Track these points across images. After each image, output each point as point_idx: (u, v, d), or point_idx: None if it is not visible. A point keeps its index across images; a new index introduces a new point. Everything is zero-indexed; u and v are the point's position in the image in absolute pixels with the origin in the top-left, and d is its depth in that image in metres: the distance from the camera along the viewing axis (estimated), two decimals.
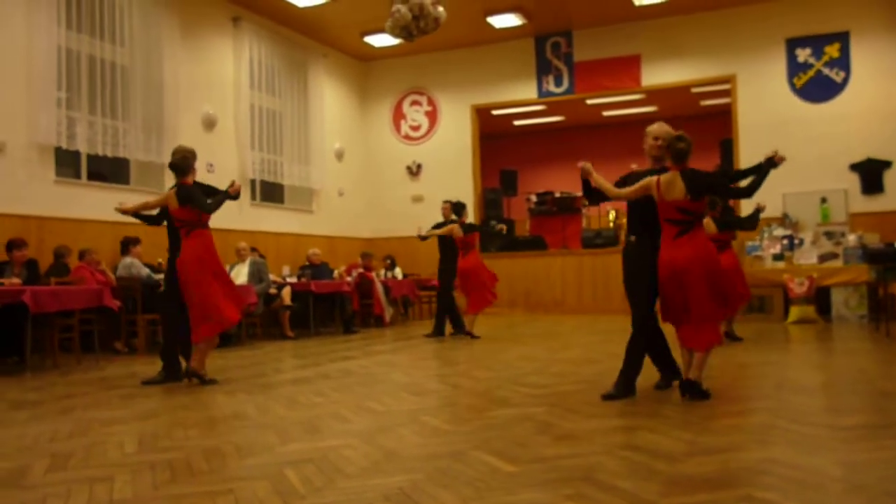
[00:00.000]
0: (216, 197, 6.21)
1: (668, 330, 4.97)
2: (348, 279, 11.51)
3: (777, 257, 11.44)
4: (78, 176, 9.61)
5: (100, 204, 9.47)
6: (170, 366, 6.16)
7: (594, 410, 4.44)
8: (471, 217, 12.54)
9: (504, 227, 10.41)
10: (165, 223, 6.43)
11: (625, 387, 4.84)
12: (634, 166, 5.07)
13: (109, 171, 10.40)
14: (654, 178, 4.78)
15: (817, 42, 12.38)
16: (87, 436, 4.05)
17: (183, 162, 6.16)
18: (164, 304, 6.54)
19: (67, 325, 7.50)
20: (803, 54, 12.48)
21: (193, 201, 6.02)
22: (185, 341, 6.16)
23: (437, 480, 3.01)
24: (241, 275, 9.96)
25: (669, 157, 4.82)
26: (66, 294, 7.18)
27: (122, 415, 4.69)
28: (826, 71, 12.31)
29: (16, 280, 7.36)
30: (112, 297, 7.80)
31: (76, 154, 9.46)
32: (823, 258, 11.17)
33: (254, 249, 10.61)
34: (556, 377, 5.84)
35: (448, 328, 9.83)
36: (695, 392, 4.63)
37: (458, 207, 9.75)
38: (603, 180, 5.01)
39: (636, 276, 4.98)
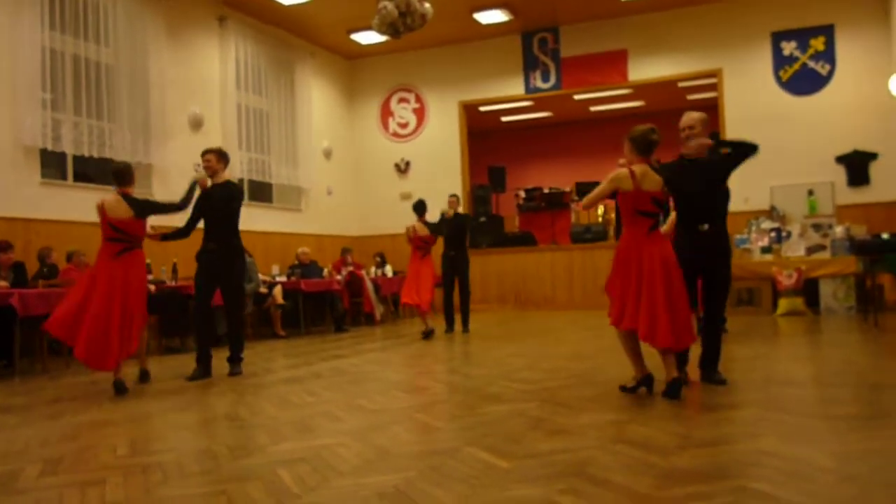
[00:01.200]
0: (183, 196, 6.32)
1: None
2: (338, 277, 11.49)
3: (765, 250, 11.49)
4: (64, 177, 9.54)
5: (86, 205, 9.37)
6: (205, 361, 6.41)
7: (586, 405, 4.44)
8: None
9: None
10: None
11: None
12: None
13: (95, 172, 10.33)
14: (625, 170, 4.69)
15: (802, 35, 12.44)
16: (77, 439, 4.03)
17: (128, 169, 6.06)
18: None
19: None
20: (789, 47, 12.53)
21: (157, 209, 6.10)
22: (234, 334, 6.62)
23: (431, 478, 3.01)
24: None
25: (634, 150, 4.73)
26: (55, 297, 7.13)
27: (113, 418, 4.66)
28: (811, 64, 12.37)
29: (3, 283, 7.31)
30: None
31: (62, 155, 9.39)
32: (811, 250, 11.22)
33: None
34: (547, 373, 5.84)
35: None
36: (678, 391, 4.54)
37: (419, 206, 9.69)
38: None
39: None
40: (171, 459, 3.48)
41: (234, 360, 6.55)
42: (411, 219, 9.94)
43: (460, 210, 9.95)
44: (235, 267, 6.60)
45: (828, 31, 12.28)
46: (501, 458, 3.27)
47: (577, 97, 15.94)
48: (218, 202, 6.45)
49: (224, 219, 6.53)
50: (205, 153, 6.58)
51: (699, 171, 4.93)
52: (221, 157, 6.58)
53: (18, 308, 6.62)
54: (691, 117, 5.06)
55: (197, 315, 6.58)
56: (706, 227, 4.91)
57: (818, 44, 12.34)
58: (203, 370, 6.36)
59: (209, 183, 6.48)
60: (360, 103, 15.56)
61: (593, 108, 18.21)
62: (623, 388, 4.80)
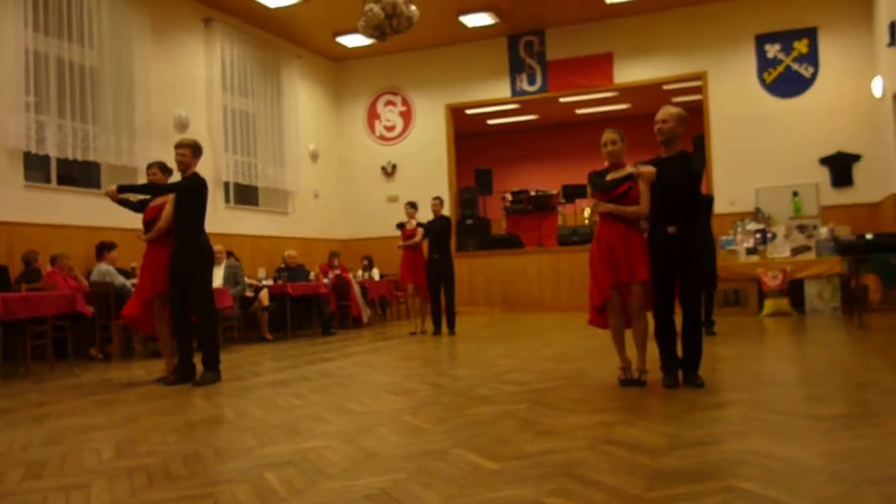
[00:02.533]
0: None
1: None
2: (325, 281, 11.45)
3: (751, 251, 11.55)
4: (48, 180, 9.47)
5: (70, 208, 9.36)
6: (187, 366, 6.20)
7: (575, 406, 4.44)
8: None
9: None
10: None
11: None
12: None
13: (80, 174, 10.25)
14: None
15: (786, 38, 12.53)
16: (62, 443, 3.98)
17: None
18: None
19: (40, 331, 7.38)
20: (772, 50, 12.62)
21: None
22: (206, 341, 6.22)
23: (419, 479, 2.99)
24: (216, 278, 9.85)
25: (621, 155, 5.08)
26: (38, 300, 7.06)
27: (98, 421, 4.61)
28: (795, 66, 12.46)
29: None
30: (85, 302, 7.69)
31: (46, 158, 9.31)
32: (796, 251, 11.29)
33: (230, 253, 10.51)
34: (536, 374, 5.84)
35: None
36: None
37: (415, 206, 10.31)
38: (629, 208, 4.96)
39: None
40: (157, 462, 3.44)
41: (206, 367, 6.17)
42: (398, 221, 10.24)
43: (444, 212, 10.10)
44: (198, 267, 6.17)
45: (811, 34, 12.37)
46: (490, 459, 3.25)
47: (563, 100, 15.96)
48: (183, 194, 6.16)
49: (187, 214, 6.16)
50: (178, 146, 6.26)
51: (670, 170, 4.91)
52: (196, 151, 6.29)
53: (1, 312, 6.54)
54: (668, 112, 4.98)
55: (172, 320, 6.24)
56: (673, 228, 4.90)
57: (801, 46, 12.43)
58: (182, 375, 6.15)
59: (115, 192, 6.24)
60: (346, 106, 15.53)
61: (579, 111, 18.26)
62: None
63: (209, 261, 6.32)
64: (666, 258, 4.91)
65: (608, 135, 5.08)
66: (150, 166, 6.48)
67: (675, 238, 4.90)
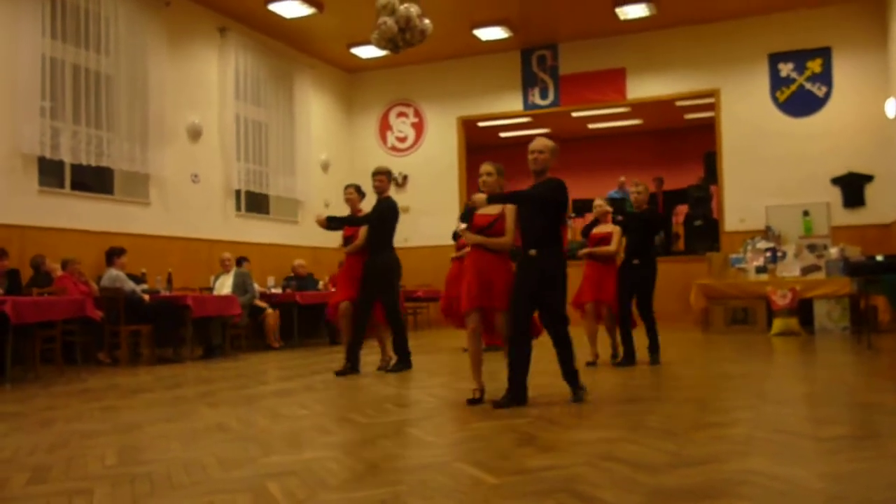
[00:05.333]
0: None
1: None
2: (332, 289, 11.47)
3: (760, 270, 11.51)
4: (62, 185, 9.56)
5: (83, 213, 9.44)
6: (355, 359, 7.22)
7: (576, 422, 4.44)
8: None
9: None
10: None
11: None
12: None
13: (93, 180, 10.35)
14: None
15: (799, 57, 12.53)
16: (67, 448, 4.01)
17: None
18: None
19: (49, 335, 7.43)
20: (786, 69, 12.62)
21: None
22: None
23: (420, 493, 3.00)
24: (225, 286, 9.92)
25: (495, 187, 5.31)
26: (48, 304, 7.12)
27: (104, 427, 4.64)
28: (808, 85, 12.46)
29: None
30: (95, 307, 7.75)
31: (60, 164, 9.41)
32: (806, 270, 11.25)
33: (240, 261, 10.55)
34: (537, 389, 5.82)
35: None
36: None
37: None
38: (494, 240, 5.25)
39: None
40: (160, 470, 3.46)
41: (399, 358, 7.34)
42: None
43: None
44: (386, 279, 7.09)
45: (825, 54, 12.37)
46: (490, 473, 3.26)
47: (575, 114, 16.01)
48: (373, 214, 7.19)
49: (379, 232, 7.17)
50: (376, 174, 7.34)
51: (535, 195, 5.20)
52: (390, 177, 7.49)
53: (11, 315, 6.59)
54: (544, 144, 5.31)
55: (355, 319, 7.19)
56: (534, 252, 5.07)
57: (815, 66, 12.43)
58: (351, 365, 7.18)
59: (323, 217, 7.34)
60: (358, 116, 15.61)
61: (591, 126, 18.29)
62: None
63: (395, 274, 7.26)
64: (527, 281, 5.06)
65: (485, 167, 5.45)
66: (347, 187, 7.56)
67: (534, 261, 5.06)
